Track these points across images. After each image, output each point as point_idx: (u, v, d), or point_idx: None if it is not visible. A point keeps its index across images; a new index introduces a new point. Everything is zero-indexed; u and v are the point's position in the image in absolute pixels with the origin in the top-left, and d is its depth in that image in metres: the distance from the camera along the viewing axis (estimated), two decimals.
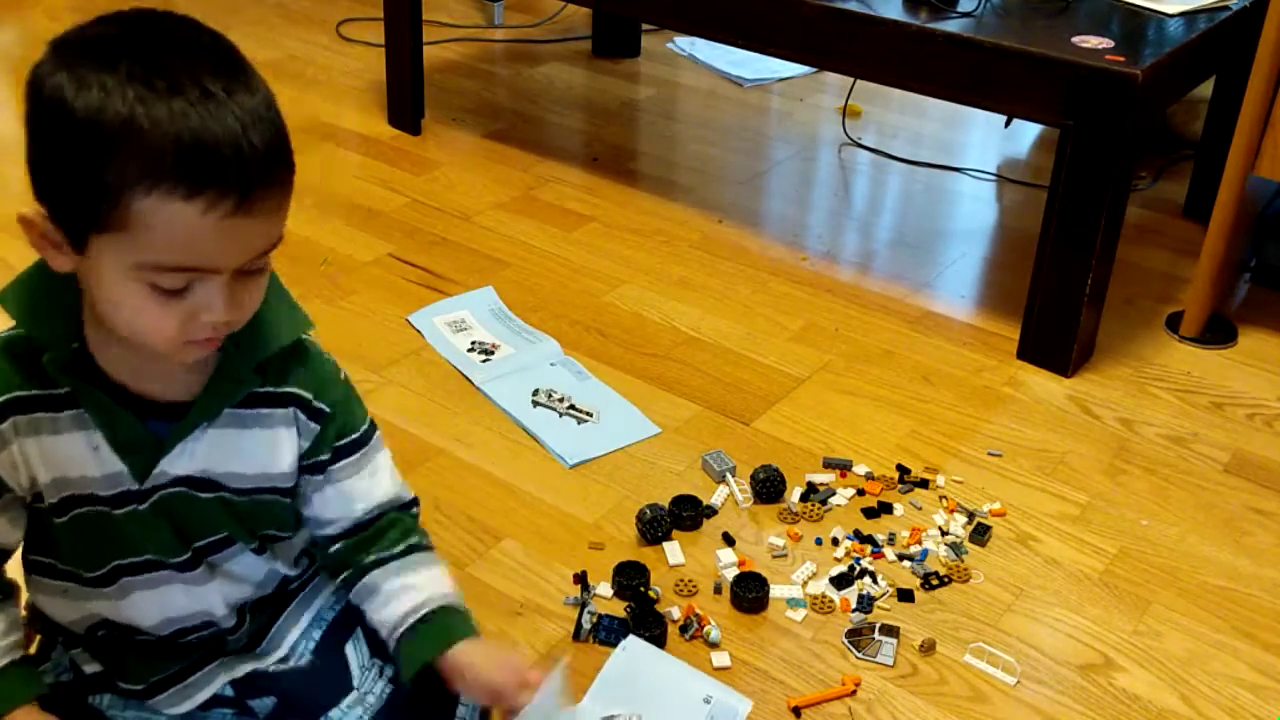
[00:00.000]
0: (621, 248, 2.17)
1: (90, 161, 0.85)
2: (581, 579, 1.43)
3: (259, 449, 1.04)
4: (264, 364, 1.01)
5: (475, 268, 2.08)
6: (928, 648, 1.36)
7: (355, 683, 1.10)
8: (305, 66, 2.91)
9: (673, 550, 1.48)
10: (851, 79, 2.59)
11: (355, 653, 1.12)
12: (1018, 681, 1.33)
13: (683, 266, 2.12)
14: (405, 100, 2.56)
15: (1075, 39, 1.72)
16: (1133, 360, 1.90)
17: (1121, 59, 1.65)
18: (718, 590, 1.43)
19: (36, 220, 0.90)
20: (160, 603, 1.06)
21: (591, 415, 1.72)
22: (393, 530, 1.11)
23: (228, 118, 0.89)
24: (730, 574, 1.44)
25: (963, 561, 1.48)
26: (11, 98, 2.76)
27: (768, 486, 1.56)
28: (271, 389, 1.03)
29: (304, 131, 2.57)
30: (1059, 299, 1.81)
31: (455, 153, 2.50)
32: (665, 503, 1.53)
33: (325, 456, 1.07)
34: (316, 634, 1.13)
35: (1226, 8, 1.85)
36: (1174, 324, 1.98)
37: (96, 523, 1.00)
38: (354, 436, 1.09)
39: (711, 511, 1.55)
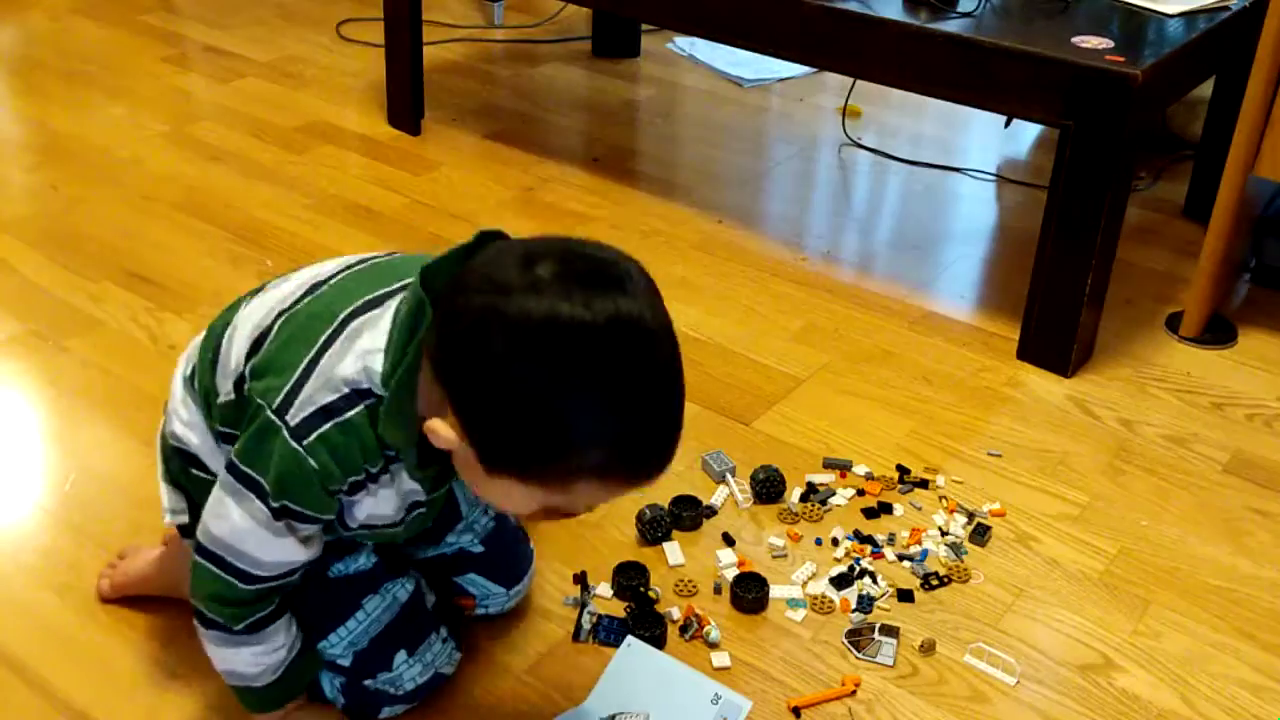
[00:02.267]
0: (621, 248, 2.16)
1: (552, 453, 0.96)
2: (581, 579, 1.43)
3: None
4: None
5: None
6: (928, 648, 1.36)
7: (465, 513, 1.32)
8: (305, 66, 2.91)
9: (673, 550, 1.48)
10: (851, 79, 2.59)
11: (463, 491, 1.31)
12: (1017, 682, 1.33)
13: (683, 266, 2.12)
14: (405, 100, 2.56)
15: (1075, 39, 1.72)
16: (1133, 360, 1.90)
17: (1121, 59, 1.65)
18: (717, 590, 1.43)
19: (451, 442, 1.00)
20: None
21: None
22: None
23: (671, 429, 0.99)
24: (730, 574, 1.44)
25: (963, 562, 1.49)
26: (12, 97, 2.76)
27: (768, 487, 1.56)
28: None
29: (304, 132, 2.57)
30: (1059, 299, 1.81)
31: (455, 153, 2.50)
32: (665, 503, 1.53)
33: None
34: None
35: (1226, 8, 1.85)
36: (1174, 324, 1.98)
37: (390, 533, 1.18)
38: None
39: (711, 512, 1.55)
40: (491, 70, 2.96)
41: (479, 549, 1.33)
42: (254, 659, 1.15)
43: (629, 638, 1.33)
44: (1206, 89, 2.19)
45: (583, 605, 1.38)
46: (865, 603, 1.41)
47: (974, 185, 2.49)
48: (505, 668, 1.31)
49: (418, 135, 2.56)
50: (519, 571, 1.36)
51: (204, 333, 1.22)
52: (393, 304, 1.06)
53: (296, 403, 1.04)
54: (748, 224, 2.29)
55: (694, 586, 1.43)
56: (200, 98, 2.76)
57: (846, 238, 2.29)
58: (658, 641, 1.34)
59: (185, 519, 1.23)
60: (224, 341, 1.16)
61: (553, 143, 2.58)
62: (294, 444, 1.03)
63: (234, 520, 1.07)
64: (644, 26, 3.07)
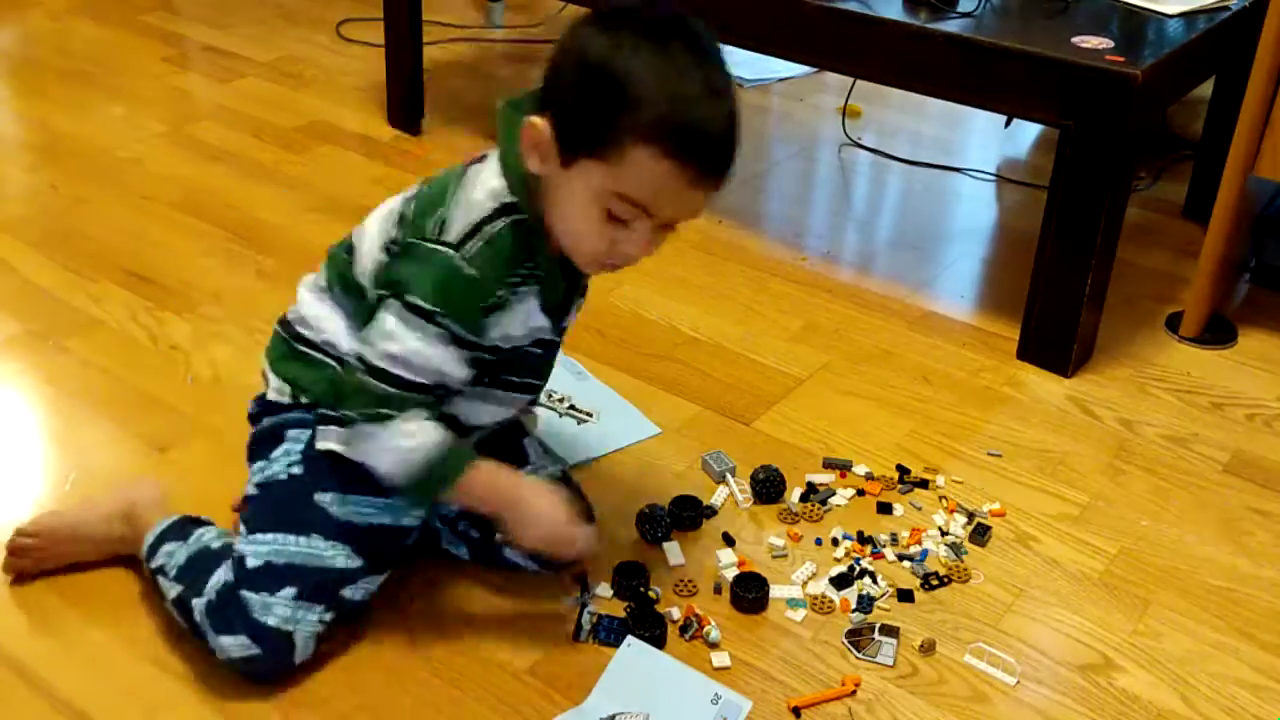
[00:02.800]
0: None
1: (614, 107, 1.12)
2: (581, 579, 1.42)
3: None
4: None
5: None
6: (928, 648, 1.36)
7: (531, 459, 1.45)
8: (305, 66, 2.91)
9: (673, 550, 1.48)
10: (851, 79, 2.59)
11: (531, 447, 1.47)
12: (1017, 682, 1.33)
13: (683, 266, 2.12)
14: (405, 100, 2.56)
15: (1075, 39, 1.72)
16: (1133, 360, 1.90)
17: (1121, 59, 1.65)
18: (717, 590, 1.43)
19: (542, 129, 1.17)
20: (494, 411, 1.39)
21: (591, 415, 1.72)
22: None
23: (722, 114, 1.15)
24: (730, 574, 1.44)
25: (962, 562, 1.49)
26: (12, 97, 2.76)
27: (768, 487, 1.56)
28: None
29: (304, 132, 2.57)
30: (1059, 299, 1.81)
31: (455, 153, 2.49)
32: (665, 503, 1.53)
33: None
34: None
35: (1226, 8, 1.85)
36: (1174, 324, 1.98)
37: (513, 359, 1.32)
38: None
39: (711, 512, 1.55)
40: (491, 70, 2.96)
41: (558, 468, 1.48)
42: (407, 440, 1.23)
43: (629, 638, 1.33)
44: (1206, 89, 2.19)
45: (583, 605, 1.38)
46: (865, 603, 1.41)
47: (974, 185, 2.49)
48: (505, 668, 1.31)
49: (418, 135, 2.56)
50: (585, 519, 1.38)
51: (323, 264, 1.39)
52: (491, 153, 1.26)
53: (448, 226, 1.21)
54: (747, 223, 2.29)
55: (694, 586, 1.43)
56: (200, 98, 2.76)
57: (846, 237, 2.29)
58: (658, 641, 1.34)
59: (288, 399, 1.36)
60: (355, 247, 1.34)
61: None
62: (458, 259, 1.20)
63: (406, 341, 1.20)
64: None
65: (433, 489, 1.25)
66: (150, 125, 2.59)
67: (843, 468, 1.63)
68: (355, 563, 1.28)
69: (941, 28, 1.78)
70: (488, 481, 1.27)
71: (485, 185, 1.23)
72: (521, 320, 1.28)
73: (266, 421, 1.37)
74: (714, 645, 1.35)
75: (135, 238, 2.15)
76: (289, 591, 1.25)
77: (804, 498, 1.57)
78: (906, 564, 1.48)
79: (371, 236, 1.32)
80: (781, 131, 2.73)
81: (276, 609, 1.24)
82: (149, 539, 1.35)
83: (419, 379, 1.22)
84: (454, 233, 1.21)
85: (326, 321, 1.35)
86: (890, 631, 1.37)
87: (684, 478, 1.61)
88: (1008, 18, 1.82)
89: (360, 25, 3.13)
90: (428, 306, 1.20)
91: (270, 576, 1.25)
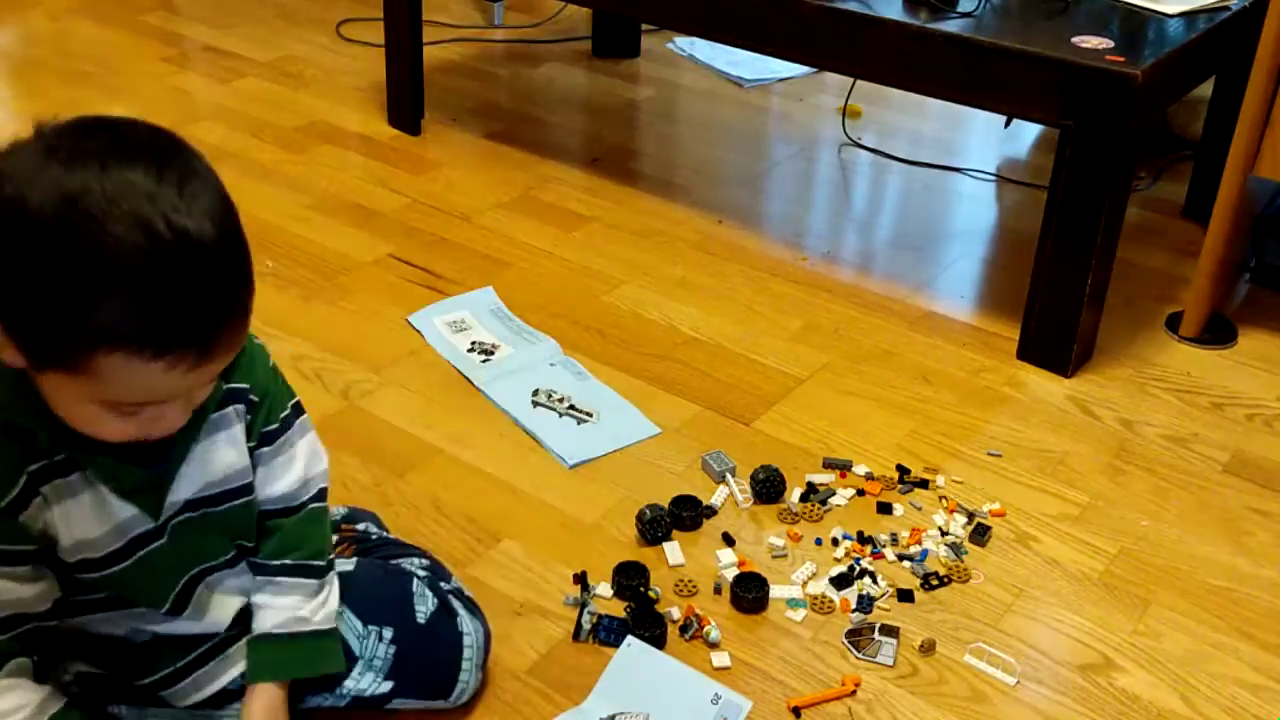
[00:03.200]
0: (621, 248, 2.17)
1: (59, 318, 0.85)
2: (581, 579, 1.43)
3: (226, 450, 1.07)
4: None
5: (475, 268, 2.08)
6: (928, 648, 1.36)
7: (357, 651, 1.18)
8: (305, 66, 2.91)
9: (673, 550, 1.48)
10: (851, 79, 2.59)
11: (347, 627, 1.19)
12: (1017, 682, 1.33)
13: (683, 266, 2.12)
14: (405, 100, 2.56)
15: (1075, 39, 1.72)
16: (1133, 360, 1.90)
17: (1121, 59, 1.65)
18: (717, 590, 1.43)
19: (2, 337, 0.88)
20: (172, 626, 1.10)
21: (591, 415, 1.72)
22: (272, 539, 1.15)
23: (201, 278, 0.86)
24: (730, 574, 1.44)
25: (962, 562, 1.49)
26: (12, 97, 2.76)
27: (768, 486, 1.56)
28: (223, 386, 1.06)
29: (304, 132, 2.57)
30: (1059, 299, 1.81)
31: (455, 153, 2.50)
32: (665, 503, 1.53)
33: (253, 444, 1.11)
34: None
35: (1226, 8, 1.85)
36: (1174, 324, 1.98)
37: (116, 578, 1.04)
38: (275, 426, 1.13)
39: (711, 511, 1.55)
40: (491, 70, 2.96)
41: (389, 685, 1.18)
42: None
43: (629, 638, 1.33)
44: (1206, 89, 2.19)
45: (583, 605, 1.38)
46: (865, 603, 1.41)
47: (974, 185, 2.49)
48: (505, 668, 1.31)
49: (418, 135, 2.56)
50: (450, 671, 1.21)
51: None
52: None
53: None
54: (747, 224, 2.29)
55: (694, 586, 1.43)
56: (200, 98, 2.76)
57: (846, 237, 2.29)
58: (658, 641, 1.34)
59: None
60: None
61: (553, 143, 2.58)
62: None
63: None
64: (644, 26, 3.07)
65: None
66: None
67: (843, 468, 1.63)
68: None
69: (941, 28, 1.78)
70: None
71: None
72: (90, 518, 1.00)
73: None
74: (714, 645, 1.35)
75: None
76: None
77: (804, 498, 1.57)
78: (906, 564, 1.48)
79: None
80: (781, 131, 2.73)
81: None
82: None
83: None
84: None
85: None
86: (890, 631, 1.37)
87: (684, 478, 1.61)
88: (1008, 18, 1.82)
89: (360, 25, 3.13)
90: None
91: None
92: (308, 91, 2.77)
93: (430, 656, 1.20)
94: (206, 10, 3.24)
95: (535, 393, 1.75)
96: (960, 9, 1.82)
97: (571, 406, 1.73)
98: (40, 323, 0.86)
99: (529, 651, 1.34)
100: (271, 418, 1.12)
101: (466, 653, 1.22)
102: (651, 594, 1.40)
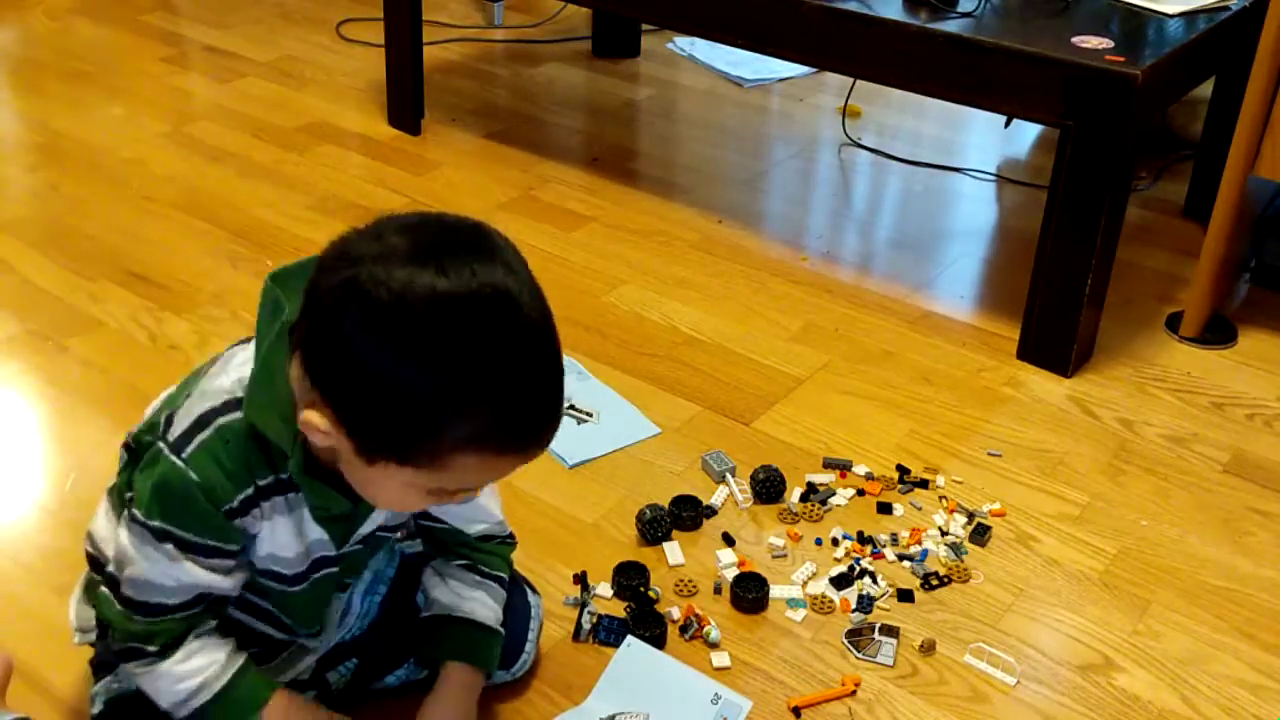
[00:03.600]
0: (621, 248, 2.17)
1: (420, 430, 0.91)
2: (581, 579, 1.43)
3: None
4: None
5: None
6: (928, 648, 1.36)
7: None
8: (305, 66, 2.91)
9: (673, 550, 1.48)
10: (851, 79, 2.59)
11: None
12: (1017, 682, 1.33)
13: (683, 266, 2.12)
14: (405, 100, 2.56)
15: (1075, 39, 1.72)
16: (1133, 360, 1.90)
17: (1121, 59, 1.65)
18: (718, 590, 1.43)
19: (324, 428, 0.94)
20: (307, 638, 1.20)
21: (591, 415, 1.72)
22: (496, 559, 1.24)
23: (548, 389, 0.95)
24: (730, 574, 1.44)
25: (962, 562, 1.49)
26: (12, 97, 2.76)
27: (768, 486, 1.56)
28: None
29: (304, 132, 2.57)
30: (1059, 299, 1.81)
31: (455, 153, 2.50)
32: (665, 503, 1.53)
33: None
34: (381, 589, 1.25)
35: (1226, 8, 1.85)
36: (1174, 324, 1.98)
37: (290, 596, 1.12)
38: None
39: (711, 511, 1.55)
40: (491, 70, 2.96)
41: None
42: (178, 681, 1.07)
43: (629, 638, 1.33)
44: (1206, 89, 2.19)
45: (583, 605, 1.38)
46: (865, 603, 1.41)
47: (974, 185, 2.49)
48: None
49: (418, 135, 2.56)
50: (520, 644, 1.26)
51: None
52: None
53: (176, 420, 1.03)
54: (747, 224, 2.29)
55: (694, 586, 1.43)
56: (200, 98, 2.76)
57: (846, 237, 2.29)
58: (658, 641, 1.34)
59: (93, 637, 1.18)
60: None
61: (552, 143, 2.58)
62: (174, 458, 1.00)
63: (122, 544, 1.05)
64: (644, 26, 3.07)
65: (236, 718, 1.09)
66: (150, 125, 2.58)
67: (843, 468, 1.63)
68: None
69: (941, 28, 1.78)
70: (279, 711, 1.11)
71: (232, 375, 1.02)
72: (290, 537, 1.07)
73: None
74: (714, 645, 1.35)
75: (135, 238, 2.15)
76: None
77: (804, 498, 1.57)
78: (906, 564, 1.48)
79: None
80: (781, 131, 2.73)
81: None
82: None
83: (170, 600, 1.05)
84: (177, 429, 1.02)
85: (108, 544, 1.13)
86: (890, 631, 1.37)
87: (684, 478, 1.61)
88: (1008, 18, 1.82)
89: (360, 25, 3.13)
90: (150, 521, 1.01)
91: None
92: (307, 91, 2.77)
93: (506, 626, 1.24)
94: (206, 10, 3.24)
95: None
96: (960, 9, 1.83)
97: (571, 406, 1.73)
98: (400, 424, 0.91)
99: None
100: None
101: (532, 624, 1.28)
102: (652, 594, 1.40)
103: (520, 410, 0.92)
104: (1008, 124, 2.66)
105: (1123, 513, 1.59)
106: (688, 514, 1.52)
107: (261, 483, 1.02)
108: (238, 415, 1.00)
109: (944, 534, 1.52)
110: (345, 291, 0.90)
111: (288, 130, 2.57)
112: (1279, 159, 1.77)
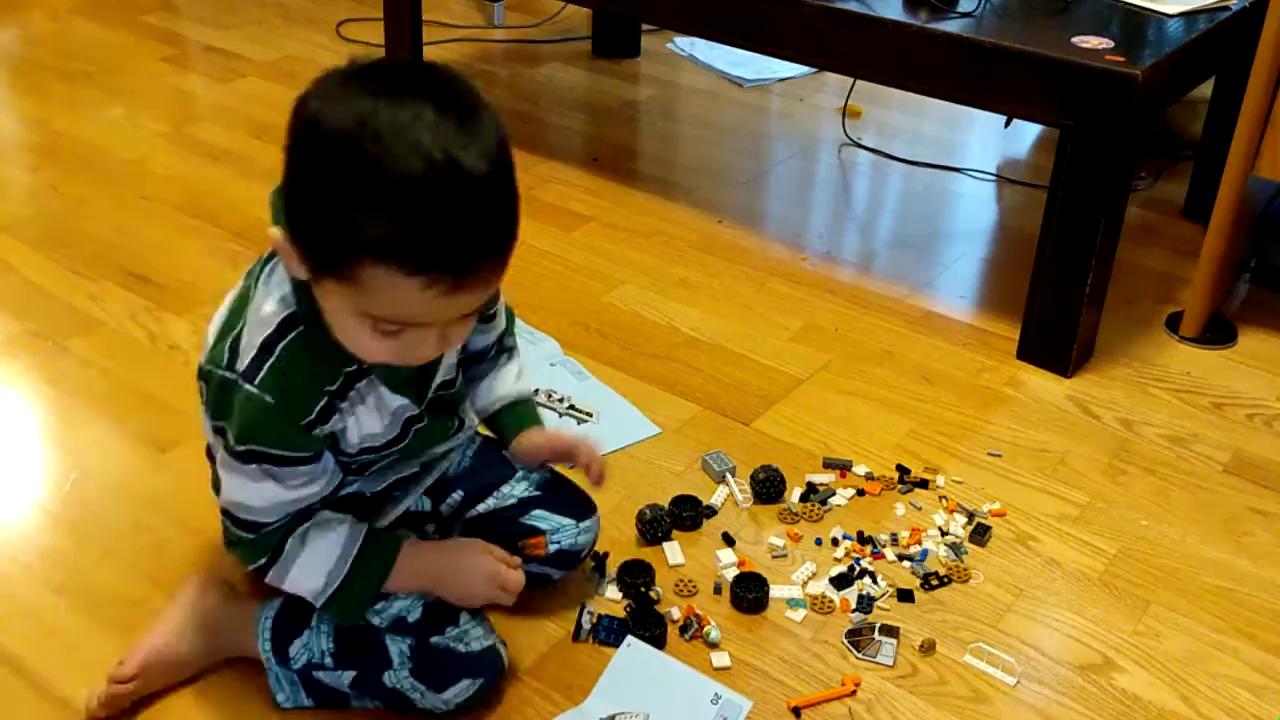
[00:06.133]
0: (621, 248, 2.17)
1: (335, 226, 0.97)
2: (600, 563, 1.43)
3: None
4: None
5: None
6: (928, 648, 1.36)
7: (517, 467, 1.36)
8: (305, 66, 2.90)
9: (672, 550, 1.48)
10: (851, 79, 2.59)
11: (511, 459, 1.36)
12: (1018, 682, 1.33)
13: (683, 266, 2.12)
14: None
15: (1075, 39, 1.72)
16: (1133, 360, 1.90)
17: (1121, 59, 1.65)
18: (717, 590, 1.43)
19: (282, 242, 1.03)
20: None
21: (591, 415, 1.72)
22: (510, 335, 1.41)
23: (471, 208, 0.98)
24: (730, 574, 1.44)
25: (962, 562, 1.49)
26: (12, 97, 2.76)
27: (768, 486, 1.56)
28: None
29: None
30: (1059, 299, 1.81)
31: None
32: (665, 503, 1.53)
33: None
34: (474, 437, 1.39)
35: (1226, 8, 1.85)
36: (1174, 324, 1.98)
37: (390, 457, 1.24)
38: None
39: (711, 511, 1.55)
40: (491, 70, 2.96)
41: (537, 493, 1.36)
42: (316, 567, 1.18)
43: (629, 638, 1.33)
44: (1206, 89, 2.19)
45: (583, 605, 1.38)
46: (865, 603, 1.41)
47: (974, 185, 2.49)
48: (505, 668, 1.31)
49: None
50: (585, 509, 1.37)
51: None
52: None
53: (240, 350, 1.10)
54: (748, 224, 2.29)
55: (694, 586, 1.43)
56: (200, 98, 2.76)
57: (846, 237, 2.29)
58: (658, 641, 1.34)
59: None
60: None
61: (553, 143, 2.58)
62: (249, 387, 1.09)
63: (219, 474, 1.16)
64: (644, 26, 3.07)
65: (374, 583, 1.20)
66: (150, 125, 2.59)
67: (843, 468, 1.63)
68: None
69: (941, 28, 1.78)
70: (410, 562, 1.22)
71: (274, 295, 1.11)
72: (374, 415, 1.17)
73: None
74: (714, 645, 1.35)
75: (135, 238, 2.15)
76: (464, 615, 1.23)
77: (804, 498, 1.57)
78: (906, 564, 1.48)
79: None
80: (781, 131, 2.73)
81: (472, 632, 1.23)
82: (265, 645, 1.24)
83: (275, 518, 1.16)
84: (245, 359, 1.10)
85: None
86: (890, 631, 1.37)
87: (684, 478, 1.61)
88: (1008, 18, 1.82)
89: (360, 25, 3.13)
90: (241, 448, 1.11)
91: (439, 613, 1.23)
92: None
93: (575, 489, 1.38)
94: (206, 10, 3.24)
95: (535, 393, 1.75)
96: (960, 9, 1.83)
97: (571, 406, 1.73)
98: (319, 230, 0.99)
99: (529, 651, 1.34)
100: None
101: (596, 512, 1.39)
102: (653, 594, 1.39)
103: (429, 220, 0.95)
104: (1008, 124, 2.66)
105: (1123, 513, 1.59)
106: (688, 514, 1.51)
107: (331, 388, 1.11)
108: (293, 336, 1.09)
109: (944, 534, 1.52)
110: (295, 118, 1.00)
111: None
112: (1279, 159, 1.77)
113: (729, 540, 1.50)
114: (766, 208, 2.40)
